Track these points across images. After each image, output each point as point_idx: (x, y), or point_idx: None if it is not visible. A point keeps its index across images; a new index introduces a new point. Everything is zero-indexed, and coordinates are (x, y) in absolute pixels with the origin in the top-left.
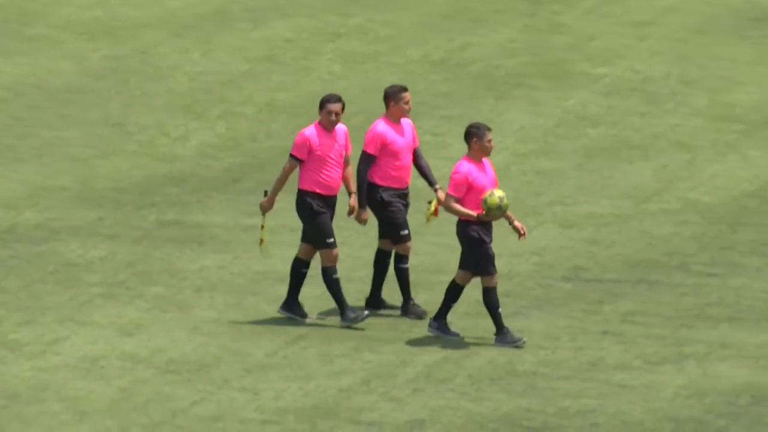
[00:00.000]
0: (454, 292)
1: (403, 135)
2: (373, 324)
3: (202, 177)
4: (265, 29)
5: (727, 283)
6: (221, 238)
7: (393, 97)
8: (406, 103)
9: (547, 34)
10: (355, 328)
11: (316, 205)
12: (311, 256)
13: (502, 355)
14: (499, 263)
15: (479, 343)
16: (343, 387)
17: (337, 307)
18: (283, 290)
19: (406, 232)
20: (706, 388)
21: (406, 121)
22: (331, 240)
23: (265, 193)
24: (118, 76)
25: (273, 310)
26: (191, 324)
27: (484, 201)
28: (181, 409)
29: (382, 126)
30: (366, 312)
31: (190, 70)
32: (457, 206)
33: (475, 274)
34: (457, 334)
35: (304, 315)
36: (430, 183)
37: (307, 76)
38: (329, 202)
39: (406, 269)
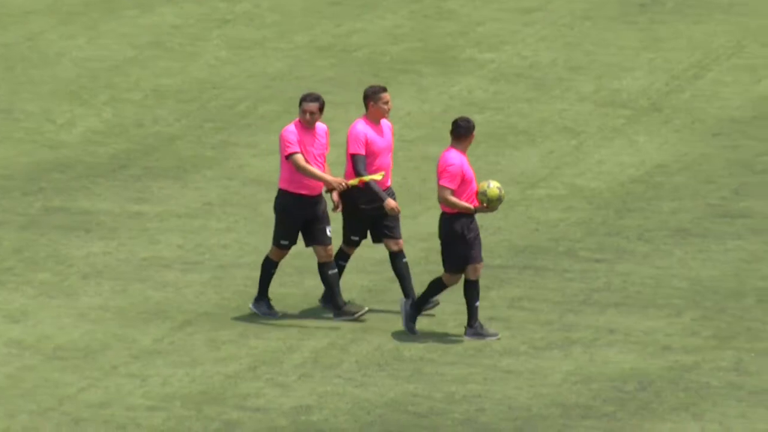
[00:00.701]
0: (473, 290)
1: (382, 135)
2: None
3: (89, 163)
4: (152, 15)
5: (613, 268)
6: (107, 225)
7: (372, 97)
8: (386, 103)
9: (433, 20)
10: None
11: (290, 206)
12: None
13: (389, 341)
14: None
15: (366, 329)
16: (229, 373)
17: (258, 290)
18: (170, 276)
19: (357, 238)
20: (593, 374)
21: (385, 123)
22: (286, 243)
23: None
24: (4, 62)
25: (160, 296)
26: (78, 310)
27: (483, 193)
28: (68, 395)
29: (361, 125)
30: (279, 314)
31: (77, 56)
32: (454, 199)
33: (444, 267)
34: (496, 334)
35: (355, 311)
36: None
37: (193, 62)
38: (310, 201)
39: (335, 274)
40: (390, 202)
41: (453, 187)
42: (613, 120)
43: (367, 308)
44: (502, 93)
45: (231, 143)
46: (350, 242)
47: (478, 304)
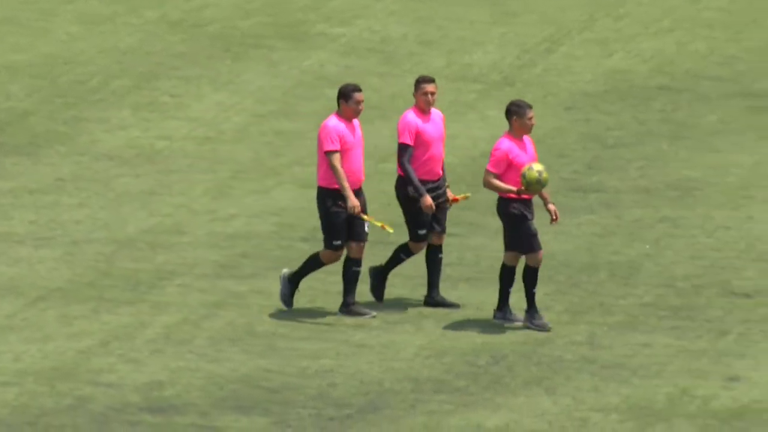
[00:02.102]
0: (507, 275)
1: (432, 124)
2: (111, 285)
3: None
4: None
5: (466, 243)
6: None
7: (415, 87)
8: (424, 94)
9: None
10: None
11: (332, 203)
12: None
13: (241, 316)
14: (237, 223)
15: (219, 305)
16: (82, 348)
17: (292, 288)
18: (22, 251)
19: (423, 232)
20: (445, 348)
21: (436, 112)
22: (338, 243)
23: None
24: None
25: (12, 271)
26: None
27: (523, 175)
28: None
29: (411, 116)
30: (374, 313)
31: None
32: (497, 182)
33: (520, 252)
34: (521, 319)
35: (363, 312)
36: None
37: (44, 37)
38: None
39: (403, 261)
40: (427, 200)
41: (497, 171)
42: (464, 95)
43: (374, 313)
44: (354, 67)
45: (83, 118)
46: (417, 237)
47: (510, 289)
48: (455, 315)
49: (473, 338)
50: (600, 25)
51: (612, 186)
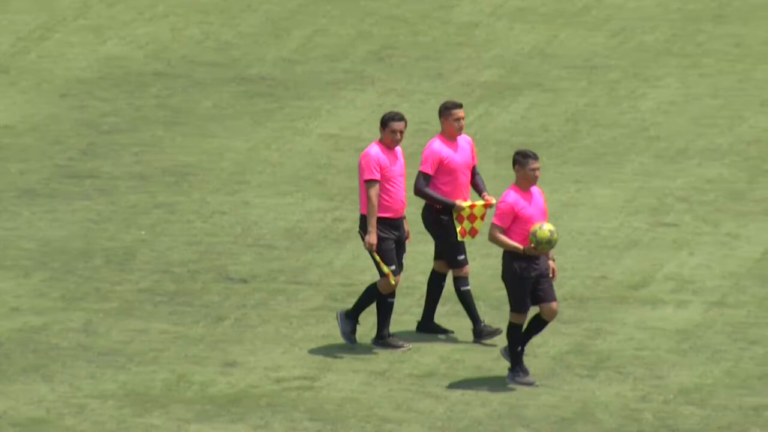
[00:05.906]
0: (513, 335)
1: (459, 152)
2: None
3: None
4: None
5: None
6: None
7: (443, 113)
8: (457, 120)
9: None
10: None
11: (381, 231)
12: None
13: None
14: None
15: None
16: None
17: (377, 323)
18: None
19: (462, 256)
20: None
21: (464, 138)
22: (393, 268)
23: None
24: None
25: None
26: None
27: (533, 234)
28: None
29: (437, 144)
30: (410, 346)
31: None
32: (503, 237)
33: (511, 306)
34: (531, 379)
35: (399, 345)
36: (479, 191)
37: None
38: (395, 224)
39: (468, 291)
40: (459, 204)
41: (503, 225)
42: None
43: (410, 346)
44: None
45: None
46: (457, 263)
47: (519, 348)
48: None
49: None
50: (94, 12)
51: (107, 172)
